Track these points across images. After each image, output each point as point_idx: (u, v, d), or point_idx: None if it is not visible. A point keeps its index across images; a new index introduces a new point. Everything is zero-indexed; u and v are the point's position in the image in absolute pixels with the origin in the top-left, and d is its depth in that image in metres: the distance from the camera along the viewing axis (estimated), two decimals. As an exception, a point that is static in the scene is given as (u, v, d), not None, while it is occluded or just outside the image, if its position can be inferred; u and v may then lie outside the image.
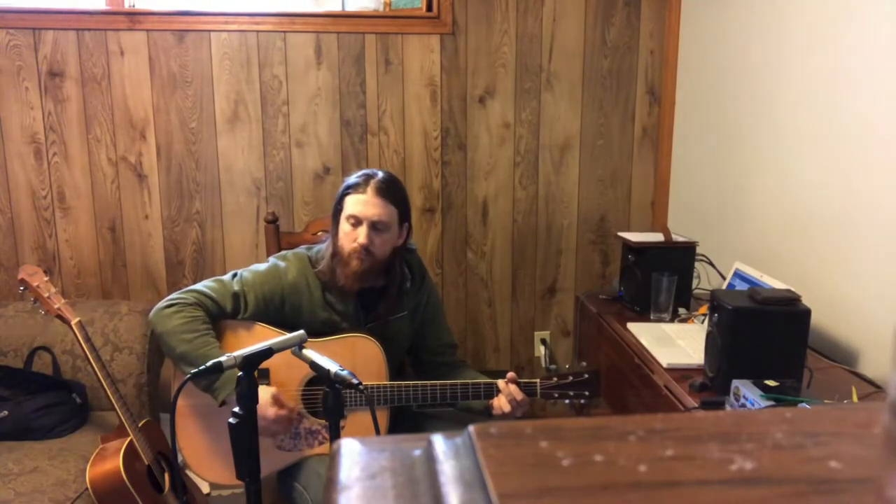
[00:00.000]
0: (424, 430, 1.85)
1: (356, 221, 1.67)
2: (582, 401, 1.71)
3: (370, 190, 1.67)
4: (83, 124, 2.45)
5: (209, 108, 2.49)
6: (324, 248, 1.75)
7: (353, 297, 1.73)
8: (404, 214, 1.74)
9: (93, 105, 2.44)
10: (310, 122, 2.54)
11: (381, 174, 1.71)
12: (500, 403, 1.67)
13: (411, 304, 1.83)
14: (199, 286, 1.67)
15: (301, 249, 1.79)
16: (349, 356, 1.65)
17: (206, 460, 1.68)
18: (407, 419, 1.87)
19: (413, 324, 1.86)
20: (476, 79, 2.59)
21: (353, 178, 1.71)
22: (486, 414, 1.75)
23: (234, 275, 1.71)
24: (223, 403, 1.58)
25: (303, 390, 1.68)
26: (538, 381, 1.70)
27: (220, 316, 1.66)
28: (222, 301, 1.66)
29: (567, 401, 1.71)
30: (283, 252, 1.79)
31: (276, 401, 1.60)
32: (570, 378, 1.70)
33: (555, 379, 1.70)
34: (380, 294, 1.77)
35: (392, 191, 1.70)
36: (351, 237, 1.68)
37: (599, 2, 2.59)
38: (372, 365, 1.68)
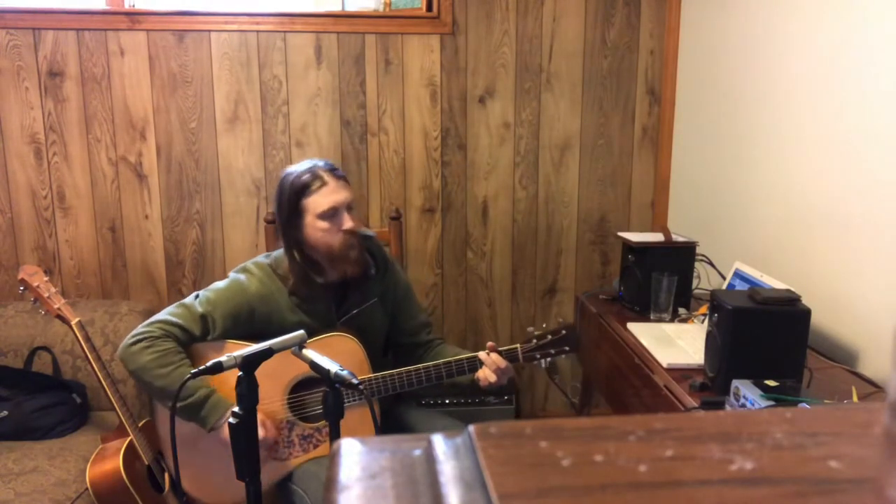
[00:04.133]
0: (414, 422, 1.86)
1: (333, 212, 1.67)
2: (563, 356, 1.72)
3: (330, 179, 1.68)
4: (83, 124, 2.45)
5: (209, 108, 2.49)
6: (282, 254, 1.73)
7: (322, 295, 1.73)
8: None
9: (93, 105, 2.44)
10: (310, 122, 2.54)
11: (320, 162, 1.71)
12: (486, 374, 1.68)
13: (379, 290, 1.83)
14: (163, 315, 1.64)
15: (260, 258, 1.77)
16: (329, 356, 1.65)
17: (201, 482, 1.67)
18: (395, 412, 1.87)
19: (385, 309, 1.85)
20: (476, 79, 2.59)
21: (298, 180, 1.67)
22: (474, 387, 1.75)
23: (196, 296, 1.68)
24: (212, 430, 1.58)
25: (288, 398, 1.68)
26: (518, 346, 1.71)
27: (191, 341, 1.63)
28: (190, 326, 1.63)
29: (549, 359, 1.72)
30: (243, 264, 1.77)
31: (262, 425, 1.59)
32: (549, 337, 1.71)
33: (534, 341, 1.71)
34: (345, 287, 1.77)
35: (342, 172, 1.73)
36: (333, 230, 1.67)
37: (599, 2, 2.59)
38: (352, 360, 1.67)
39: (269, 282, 1.70)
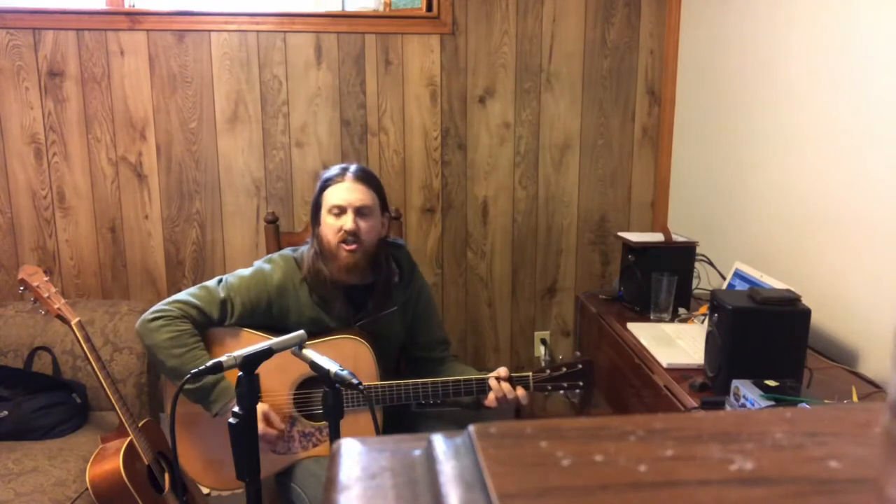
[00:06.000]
0: (420, 429, 1.85)
1: (340, 210, 1.68)
2: (577, 391, 1.70)
3: (349, 176, 1.70)
4: (83, 124, 2.45)
5: (209, 108, 2.49)
6: (307, 248, 1.75)
7: (341, 295, 1.73)
8: (384, 203, 1.76)
9: (93, 105, 2.44)
10: (310, 122, 2.54)
11: (355, 165, 1.75)
12: (490, 399, 1.67)
13: (401, 300, 1.82)
14: (184, 296, 1.66)
15: (287, 251, 1.78)
16: (337, 358, 1.64)
17: (203, 466, 1.67)
18: (402, 419, 1.86)
19: (404, 320, 1.85)
20: (476, 79, 2.59)
21: (328, 173, 1.73)
22: (475, 406, 1.74)
23: (220, 280, 1.70)
24: (217, 415, 1.58)
25: (295, 393, 1.68)
26: (531, 374, 1.69)
27: (207, 325, 1.65)
28: (209, 309, 1.64)
29: (561, 392, 1.71)
30: (269, 255, 1.79)
31: (266, 418, 1.60)
32: (564, 370, 1.69)
33: (548, 371, 1.70)
34: (368, 291, 1.76)
35: (370, 177, 1.73)
36: (335, 228, 1.68)
37: (599, 2, 2.59)
38: (360, 365, 1.67)
39: (292, 275, 1.71)
